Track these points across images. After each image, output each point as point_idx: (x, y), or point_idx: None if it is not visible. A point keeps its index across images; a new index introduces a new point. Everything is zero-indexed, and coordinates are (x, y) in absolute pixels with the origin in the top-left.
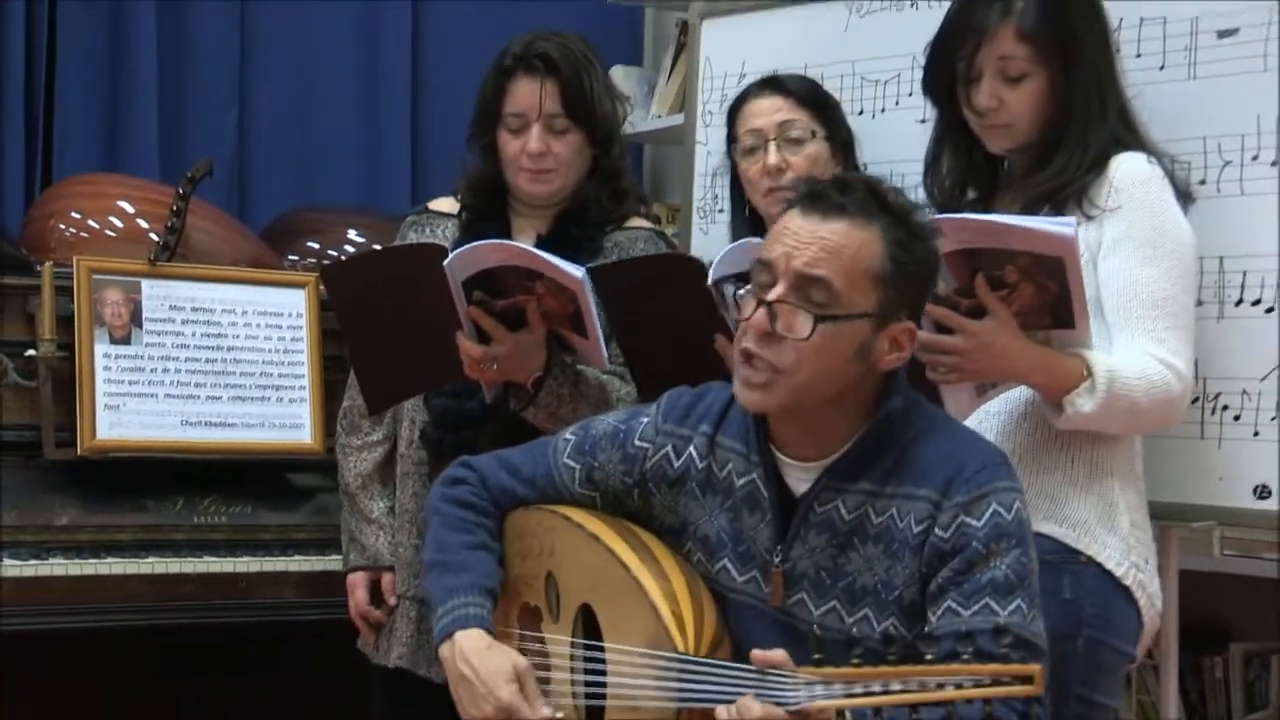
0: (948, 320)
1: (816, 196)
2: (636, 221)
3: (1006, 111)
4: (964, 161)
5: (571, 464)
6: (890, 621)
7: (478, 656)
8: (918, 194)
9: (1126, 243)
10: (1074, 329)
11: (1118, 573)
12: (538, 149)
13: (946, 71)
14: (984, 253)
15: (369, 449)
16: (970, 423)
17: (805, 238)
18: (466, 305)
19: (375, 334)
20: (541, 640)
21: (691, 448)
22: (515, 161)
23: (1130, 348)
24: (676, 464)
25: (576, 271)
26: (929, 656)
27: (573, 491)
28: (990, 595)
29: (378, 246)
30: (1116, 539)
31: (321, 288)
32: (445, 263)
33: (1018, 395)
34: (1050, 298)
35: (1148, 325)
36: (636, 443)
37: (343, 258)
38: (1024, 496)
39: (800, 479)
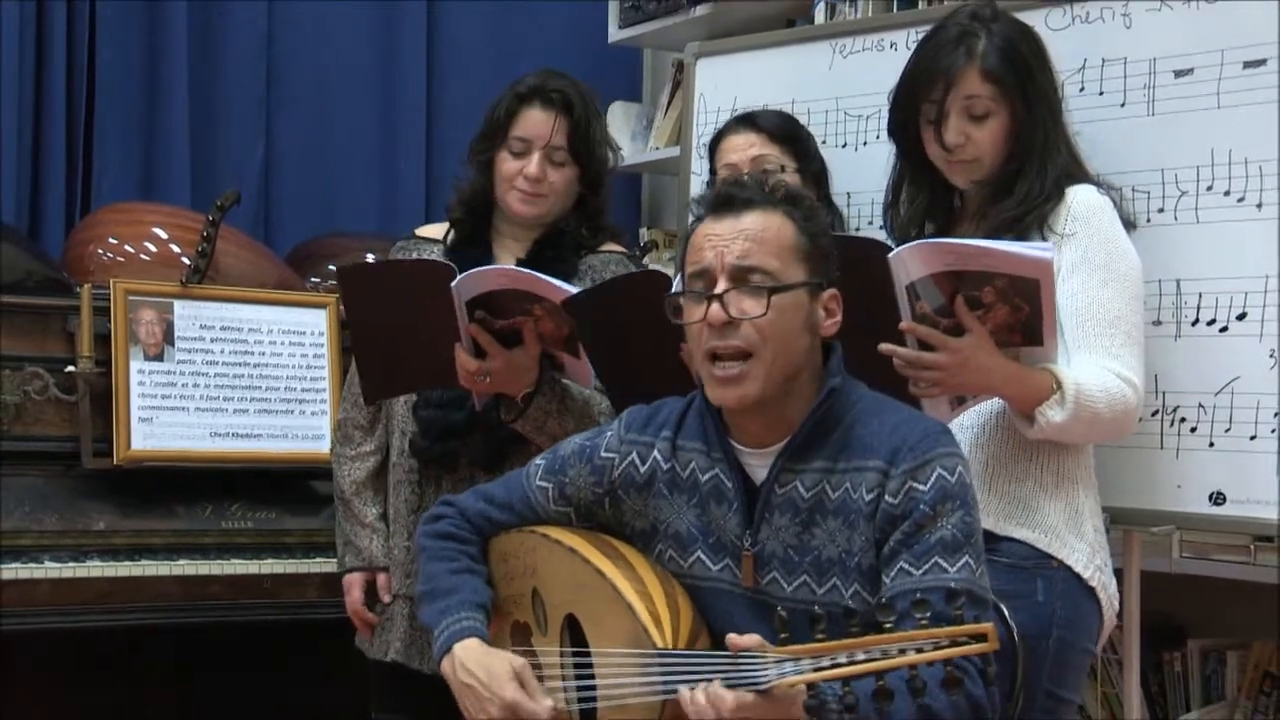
0: (930, 338)
1: (722, 200)
2: (609, 246)
3: (973, 147)
4: (925, 197)
5: (544, 484)
6: (855, 587)
7: (477, 663)
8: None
9: (1084, 266)
10: (1042, 346)
11: (1085, 575)
12: (536, 174)
13: (911, 113)
14: (965, 275)
15: (362, 459)
16: None
17: (728, 235)
18: (468, 323)
19: (379, 333)
20: (534, 654)
21: (655, 452)
22: (510, 180)
23: (1090, 363)
24: (643, 468)
25: (566, 287)
26: (888, 625)
27: (548, 510)
28: (939, 554)
29: (398, 258)
30: (1083, 543)
31: (338, 308)
32: (453, 284)
33: (989, 409)
34: (1022, 317)
35: (1105, 342)
36: (603, 454)
37: (360, 262)
38: (965, 462)
39: (759, 465)
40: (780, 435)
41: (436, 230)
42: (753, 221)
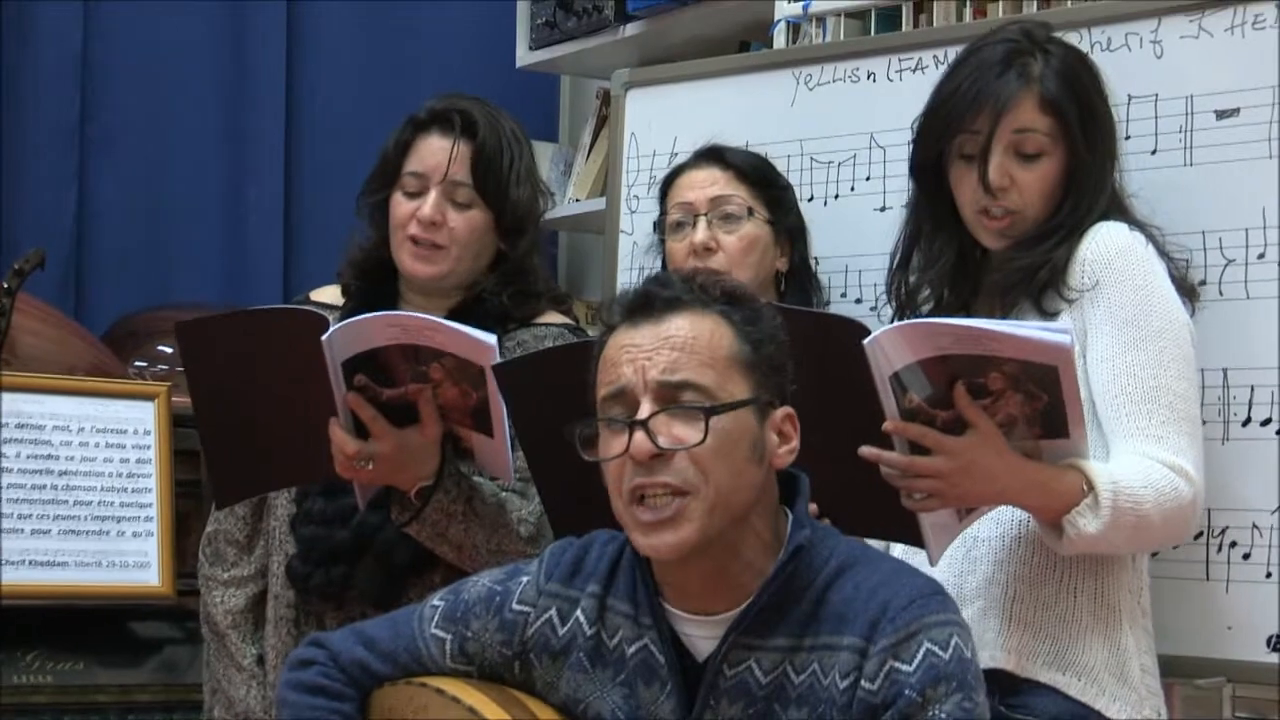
0: (924, 439)
1: (641, 302)
2: (548, 317)
3: (1017, 194)
4: (951, 255)
5: (441, 634)
6: None
7: None
8: (876, 290)
9: (1107, 326)
10: (1068, 439)
11: None
12: (430, 215)
13: (940, 147)
14: (963, 359)
15: (239, 584)
16: (958, 550)
17: (650, 345)
18: (345, 391)
19: (233, 410)
20: None
21: (579, 611)
22: (402, 228)
23: (1127, 450)
24: (561, 631)
25: (488, 339)
26: None
27: (442, 666)
28: None
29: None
30: (1128, 690)
31: (170, 400)
32: (324, 336)
33: (1011, 515)
34: (1040, 406)
35: (1141, 423)
36: (515, 606)
37: (203, 315)
38: (964, 630)
39: (703, 638)
40: (729, 601)
41: (335, 295)
42: (680, 326)
